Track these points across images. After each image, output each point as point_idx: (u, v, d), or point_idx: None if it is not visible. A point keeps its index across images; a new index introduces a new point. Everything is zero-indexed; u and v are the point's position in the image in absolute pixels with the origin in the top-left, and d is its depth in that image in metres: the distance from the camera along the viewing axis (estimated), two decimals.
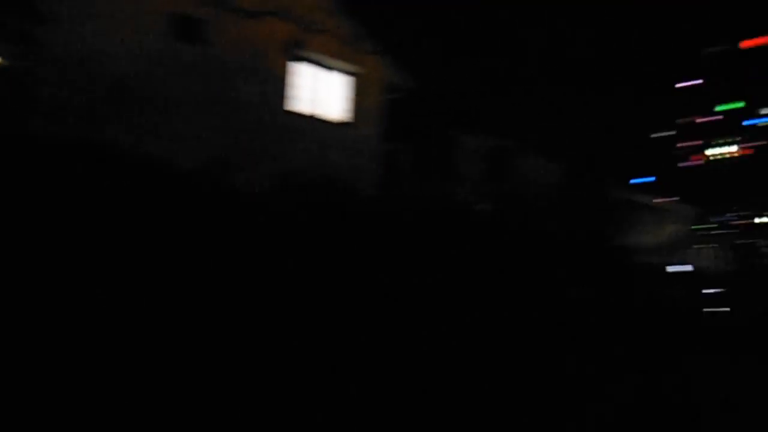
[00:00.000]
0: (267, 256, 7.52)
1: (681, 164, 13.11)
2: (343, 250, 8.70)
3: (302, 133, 16.06)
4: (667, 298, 26.37)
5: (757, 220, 26.03)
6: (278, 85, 15.74)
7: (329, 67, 16.87)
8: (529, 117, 19.34)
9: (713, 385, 8.73)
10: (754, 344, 11.97)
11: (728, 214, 26.53)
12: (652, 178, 14.52)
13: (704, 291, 26.25)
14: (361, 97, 17.31)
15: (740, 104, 11.33)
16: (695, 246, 27.52)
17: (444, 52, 16.01)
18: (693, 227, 29.83)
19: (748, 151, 12.18)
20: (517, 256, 13.52)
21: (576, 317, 11.05)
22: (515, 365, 7.72)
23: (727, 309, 23.56)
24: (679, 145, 12.99)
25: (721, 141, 14.51)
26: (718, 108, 11.37)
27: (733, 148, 14.64)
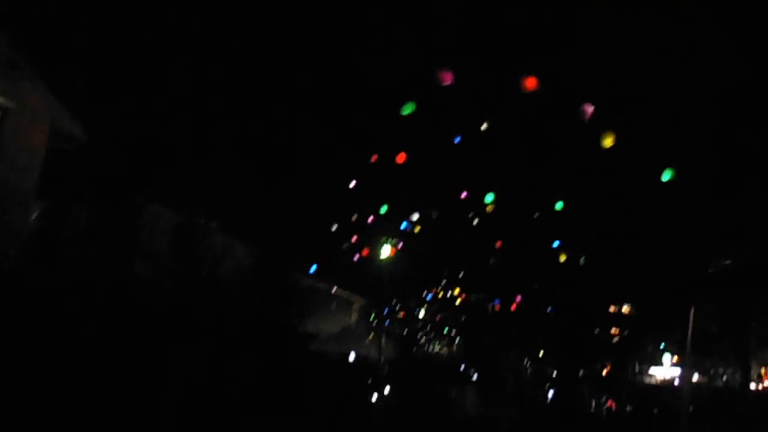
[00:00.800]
0: None
1: (354, 257, 14.51)
2: None
3: None
4: (332, 381, 27.65)
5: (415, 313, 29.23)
6: None
7: None
8: (223, 195, 18.23)
9: None
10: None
11: (390, 307, 29.18)
12: (314, 267, 14.95)
13: (372, 377, 28.25)
14: (10, 139, 13.92)
15: (384, 208, 13.44)
16: (368, 335, 29.40)
17: (137, 105, 14.19)
18: (368, 317, 32.12)
19: (395, 250, 14.32)
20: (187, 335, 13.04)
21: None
22: None
23: (387, 389, 25.81)
24: (354, 239, 14.43)
25: (384, 239, 16.39)
26: (382, 211, 13.08)
27: (387, 249, 16.42)
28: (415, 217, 10.36)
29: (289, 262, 25.59)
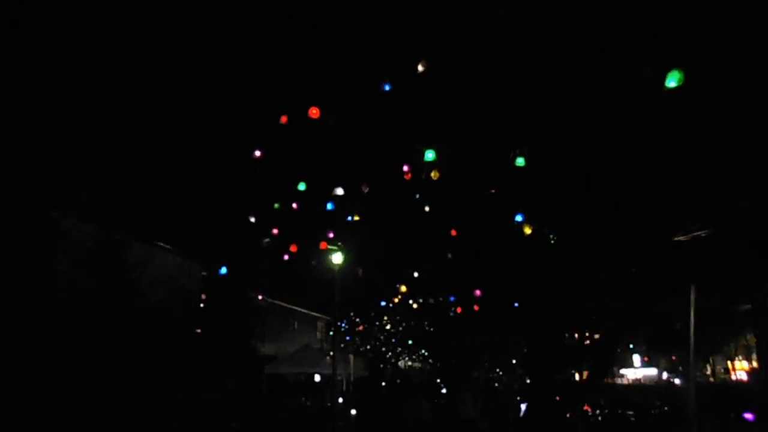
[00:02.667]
0: None
1: (283, 256, 11.40)
2: None
3: None
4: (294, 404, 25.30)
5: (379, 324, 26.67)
6: None
7: None
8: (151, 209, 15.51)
9: None
10: None
11: (348, 320, 26.60)
12: (224, 269, 12.08)
13: (338, 398, 25.77)
14: None
15: (302, 186, 10.04)
16: (329, 353, 26.82)
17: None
18: (330, 333, 29.45)
19: (324, 246, 11.03)
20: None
21: None
22: None
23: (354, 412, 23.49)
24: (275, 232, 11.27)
25: (335, 247, 13.01)
26: (300, 188, 9.93)
27: (339, 256, 13.35)
28: (339, 191, 7.95)
29: (240, 279, 23.05)
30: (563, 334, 8.83)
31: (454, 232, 9.59)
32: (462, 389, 19.47)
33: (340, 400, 24.95)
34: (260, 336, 26.86)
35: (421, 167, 8.14)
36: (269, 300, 29.87)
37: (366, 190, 7.90)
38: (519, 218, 7.42)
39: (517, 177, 6.91)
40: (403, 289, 10.77)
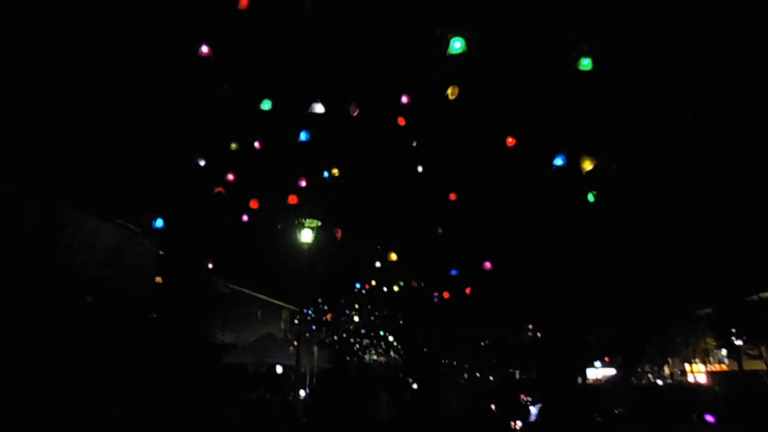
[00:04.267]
0: None
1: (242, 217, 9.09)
2: None
3: None
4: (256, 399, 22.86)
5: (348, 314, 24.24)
6: None
7: None
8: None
9: None
10: None
11: (315, 308, 24.09)
12: (160, 222, 9.01)
13: (302, 391, 23.35)
14: None
15: (267, 104, 7.35)
16: (290, 345, 24.32)
17: None
18: (295, 322, 26.96)
19: (254, 205, 8.26)
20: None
21: None
22: None
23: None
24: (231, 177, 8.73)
25: (302, 221, 10.14)
26: (264, 106, 7.02)
27: (308, 234, 10.33)
28: (318, 108, 5.54)
29: (199, 262, 20.44)
30: (590, 324, 6.79)
31: (453, 196, 7.39)
32: (442, 384, 17.42)
33: (303, 393, 22.55)
34: (220, 324, 24.24)
35: (423, 97, 5.91)
36: (232, 286, 27.32)
37: (355, 113, 5.57)
38: (559, 161, 5.28)
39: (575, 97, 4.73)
40: (393, 257, 8.47)
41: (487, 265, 6.94)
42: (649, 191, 5.74)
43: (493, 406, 18.78)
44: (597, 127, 5.13)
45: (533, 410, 11.01)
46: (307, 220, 13.61)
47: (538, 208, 6.29)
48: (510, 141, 6.55)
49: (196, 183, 7.42)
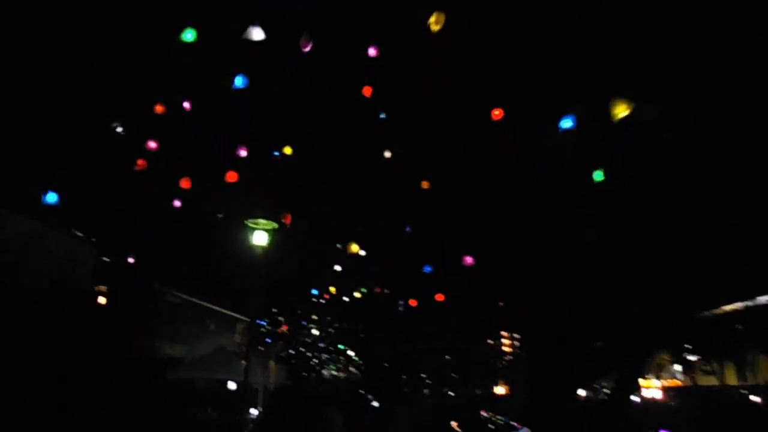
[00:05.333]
0: None
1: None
2: None
3: None
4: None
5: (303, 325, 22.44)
6: None
7: None
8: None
9: None
10: None
11: (269, 319, 22.32)
12: (53, 197, 6.90)
13: (252, 411, 21.44)
14: None
15: (190, 34, 5.90)
16: (242, 359, 22.43)
17: None
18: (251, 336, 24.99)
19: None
20: None
21: None
22: None
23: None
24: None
25: (254, 221, 8.79)
26: (185, 38, 5.72)
27: (262, 236, 8.95)
28: (257, 34, 4.13)
29: (142, 266, 18.54)
30: (589, 333, 5.58)
31: (426, 184, 6.12)
32: (394, 403, 15.99)
33: (255, 412, 20.63)
34: (167, 336, 22.19)
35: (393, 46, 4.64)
36: (182, 296, 25.24)
37: (307, 48, 4.19)
38: (569, 123, 4.07)
39: None
40: (354, 248, 7.01)
41: (468, 260, 5.66)
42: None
43: (455, 424, 17.49)
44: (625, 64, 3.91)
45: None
46: (261, 220, 12.08)
47: (531, 192, 5.07)
48: (496, 113, 5.34)
49: (113, 155, 5.84)
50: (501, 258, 5.72)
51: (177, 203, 6.20)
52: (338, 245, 6.50)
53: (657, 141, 4.11)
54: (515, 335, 38.21)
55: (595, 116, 3.66)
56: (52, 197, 5.40)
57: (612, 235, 4.88)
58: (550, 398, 5.48)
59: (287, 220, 7.39)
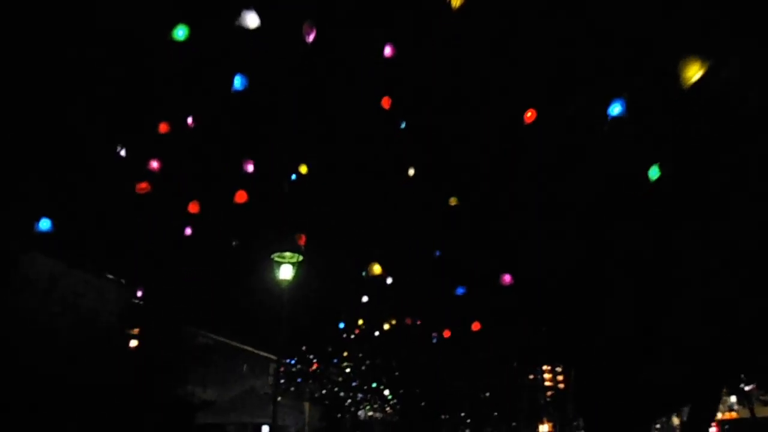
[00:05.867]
0: None
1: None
2: None
3: None
4: None
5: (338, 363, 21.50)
6: None
7: None
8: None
9: None
10: None
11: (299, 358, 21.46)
12: (47, 223, 6.56)
13: None
14: None
15: (181, 32, 5.66)
16: (279, 399, 21.62)
17: None
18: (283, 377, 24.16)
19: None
20: None
21: None
22: None
23: None
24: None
25: (281, 255, 8.65)
26: (177, 35, 5.76)
27: (288, 270, 8.76)
28: (251, 21, 3.62)
29: (176, 310, 18.23)
30: (654, 358, 4.73)
31: (453, 201, 5.50)
32: None
33: None
34: (198, 378, 21.57)
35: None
36: (215, 337, 24.72)
37: (311, 36, 3.66)
38: (617, 108, 3.41)
39: None
40: (377, 269, 6.20)
41: (506, 278, 4.92)
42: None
43: None
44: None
45: None
46: (287, 254, 11.60)
47: (574, 194, 4.36)
48: (529, 115, 4.72)
49: (115, 179, 5.39)
50: (541, 275, 4.98)
51: (188, 231, 5.70)
52: (363, 273, 5.81)
53: (738, 115, 3.36)
54: (557, 368, 36.07)
55: (650, 91, 2.99)
56: (45, 224, 5.00)
57: (677, 241, 4.12)
58: None
59: (302, 241, 6.82)
